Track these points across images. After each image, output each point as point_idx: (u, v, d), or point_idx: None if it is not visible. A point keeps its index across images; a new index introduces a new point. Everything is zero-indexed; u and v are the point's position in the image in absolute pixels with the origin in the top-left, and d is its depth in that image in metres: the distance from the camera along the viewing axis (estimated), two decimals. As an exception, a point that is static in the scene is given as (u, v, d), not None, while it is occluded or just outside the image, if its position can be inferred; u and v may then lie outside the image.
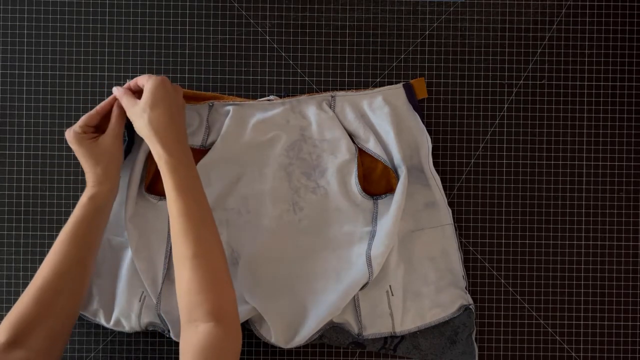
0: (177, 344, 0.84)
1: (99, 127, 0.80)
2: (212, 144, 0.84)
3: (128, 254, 0.82)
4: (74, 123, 0.79)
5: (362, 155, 0.85)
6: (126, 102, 0.77)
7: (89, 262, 0.77)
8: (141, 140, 0.82)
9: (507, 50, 0.88)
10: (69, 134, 0.77)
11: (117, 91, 0.78)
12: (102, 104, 0.80)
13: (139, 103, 0.75)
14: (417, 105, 0.85)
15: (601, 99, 0.88)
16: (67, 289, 0.74)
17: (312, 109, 0.84)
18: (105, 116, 0.80)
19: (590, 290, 0.87)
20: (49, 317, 0.73)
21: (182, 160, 0.74)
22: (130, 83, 0.80)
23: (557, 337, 0.87)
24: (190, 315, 0.70)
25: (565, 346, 0.87)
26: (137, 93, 0.79)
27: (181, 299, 0.72)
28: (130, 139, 0.84)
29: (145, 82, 0.76)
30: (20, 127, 0.87)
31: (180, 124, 0.77)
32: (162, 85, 0.75)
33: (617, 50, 0.88)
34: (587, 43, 0.88)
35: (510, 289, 0.87)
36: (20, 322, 0.71)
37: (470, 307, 0.84)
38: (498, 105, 0.88)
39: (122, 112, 0.79)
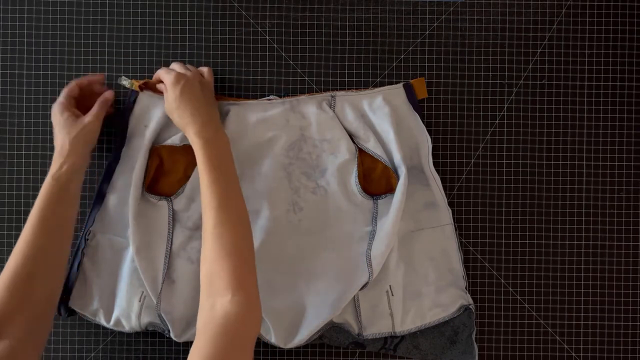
0: (177, 344, 0.84)
1: (81, 104, 0.81)
2: (212, 144, 0.84)
3: (128, 254, 0.82)
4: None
5: (362, 155, 0.85)
6: (165, 97, 0.81)
7: (60, 244, 0.76)
8: (140, 140, 0.83)
9: (507, 50, 0.88)
10: (54, 106, 0.79)
11: (162, 81, 0.82)
12: (82, 78, 0.82)
13: (166, 102, 0.80)
14: (417, 105, 0.85)
15: (601, 99, 0.88)
16: (39, 273, 0.73)
17: (312, 109, 0.84)
18: (88, 95, 0.82)
19: (590, 290, 0.87)
20: (26, 304, 0.72)
21: (209, 139, 0.76)
22: (155, 78, 0.84)
23: (557, 337, 0.87)
24: (210, 287, 0.69)
25: (565, 346, 0.87)
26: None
27: (203, 268, 0.71)
28: (123, 137, 0.84)
29: (164, 83, 0.80)
30: (20, 127, 0.87)
31: (206, 105, 0.79)
32: (174, 86, 0.78)
33: (617, 50, 0.88)
34: (587, 43, 0.88)
35: (510, 289, 0.87)
36: None
37: (470, 307, 0.84)
38: (498, 105, 0.88)
39: (107, 100, 0.81)
